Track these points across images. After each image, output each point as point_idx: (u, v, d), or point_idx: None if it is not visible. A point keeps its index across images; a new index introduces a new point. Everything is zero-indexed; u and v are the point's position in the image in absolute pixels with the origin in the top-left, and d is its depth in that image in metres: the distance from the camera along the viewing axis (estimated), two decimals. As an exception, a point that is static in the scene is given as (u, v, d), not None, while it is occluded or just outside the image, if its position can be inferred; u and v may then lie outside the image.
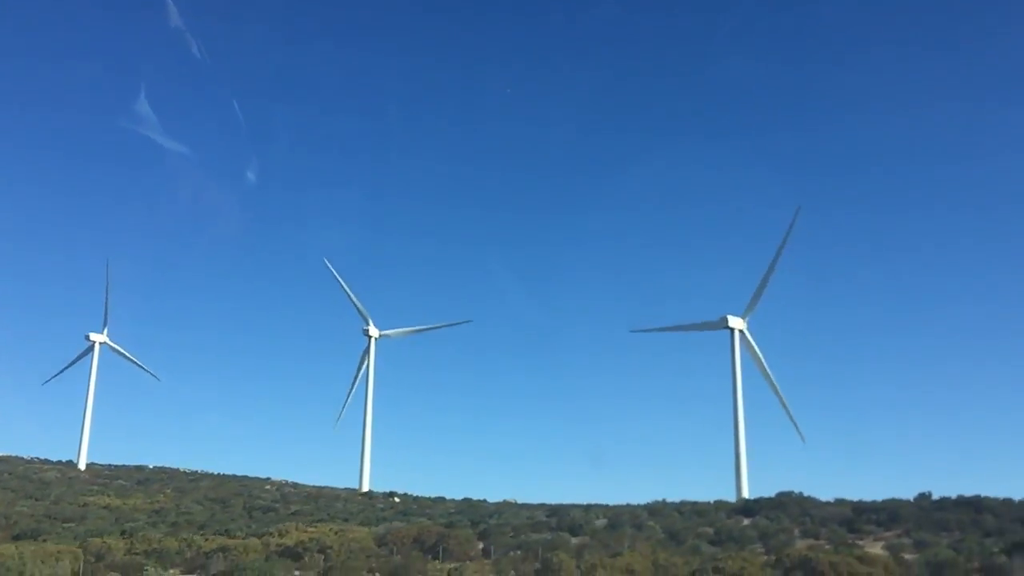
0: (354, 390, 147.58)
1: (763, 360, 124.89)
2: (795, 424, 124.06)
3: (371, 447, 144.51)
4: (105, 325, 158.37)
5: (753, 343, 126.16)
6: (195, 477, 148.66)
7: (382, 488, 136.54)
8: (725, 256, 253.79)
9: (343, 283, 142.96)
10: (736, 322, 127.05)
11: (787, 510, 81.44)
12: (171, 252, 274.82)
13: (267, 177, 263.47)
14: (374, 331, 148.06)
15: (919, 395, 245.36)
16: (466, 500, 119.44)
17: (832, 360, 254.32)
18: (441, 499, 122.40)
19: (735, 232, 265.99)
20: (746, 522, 78.60)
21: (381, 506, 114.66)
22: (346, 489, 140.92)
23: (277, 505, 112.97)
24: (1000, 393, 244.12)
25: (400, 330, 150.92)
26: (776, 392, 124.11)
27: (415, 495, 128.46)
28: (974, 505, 77.28)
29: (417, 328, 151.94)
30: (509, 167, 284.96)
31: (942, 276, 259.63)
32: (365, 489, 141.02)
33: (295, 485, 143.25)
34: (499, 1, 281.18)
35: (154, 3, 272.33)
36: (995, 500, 78.18)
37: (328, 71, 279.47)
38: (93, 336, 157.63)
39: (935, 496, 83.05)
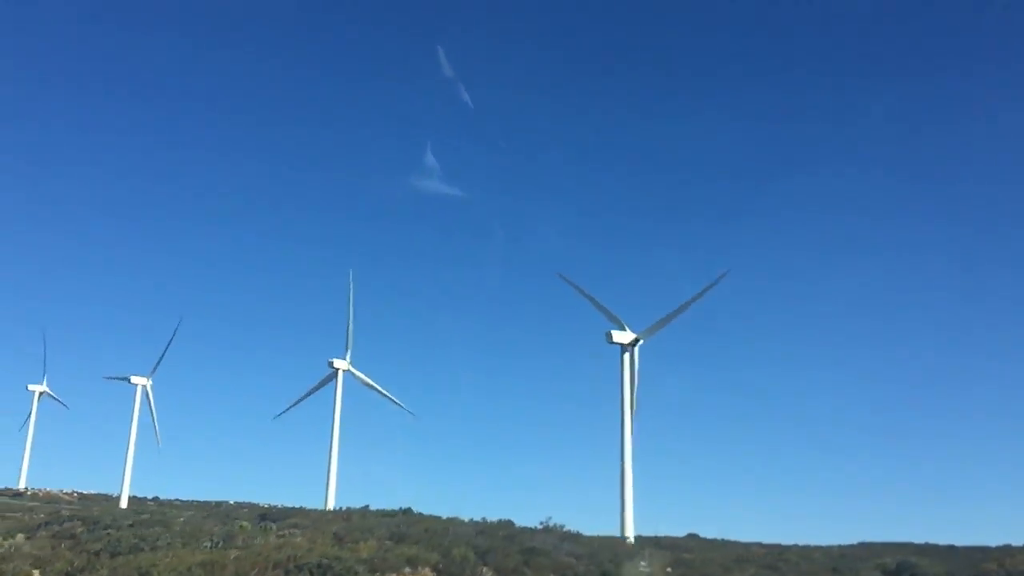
0: (297, 405, 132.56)
1: (636, 386, 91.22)
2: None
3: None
4: (153, 372, 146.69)
5: (637, 365, 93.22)
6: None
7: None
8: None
9: (351, 304, 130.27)
10: (623, 336, 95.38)
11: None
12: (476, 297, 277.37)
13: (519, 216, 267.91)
14: (340, 363, 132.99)
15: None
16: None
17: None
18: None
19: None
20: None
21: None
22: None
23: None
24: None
25: (365, 378, 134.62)
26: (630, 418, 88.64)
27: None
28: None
29: (378, 387, 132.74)
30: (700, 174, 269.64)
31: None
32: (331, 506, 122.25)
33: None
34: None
35: (428, 56, 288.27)
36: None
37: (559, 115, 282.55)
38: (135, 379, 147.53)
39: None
